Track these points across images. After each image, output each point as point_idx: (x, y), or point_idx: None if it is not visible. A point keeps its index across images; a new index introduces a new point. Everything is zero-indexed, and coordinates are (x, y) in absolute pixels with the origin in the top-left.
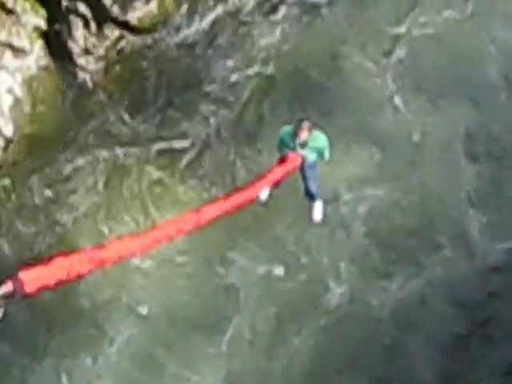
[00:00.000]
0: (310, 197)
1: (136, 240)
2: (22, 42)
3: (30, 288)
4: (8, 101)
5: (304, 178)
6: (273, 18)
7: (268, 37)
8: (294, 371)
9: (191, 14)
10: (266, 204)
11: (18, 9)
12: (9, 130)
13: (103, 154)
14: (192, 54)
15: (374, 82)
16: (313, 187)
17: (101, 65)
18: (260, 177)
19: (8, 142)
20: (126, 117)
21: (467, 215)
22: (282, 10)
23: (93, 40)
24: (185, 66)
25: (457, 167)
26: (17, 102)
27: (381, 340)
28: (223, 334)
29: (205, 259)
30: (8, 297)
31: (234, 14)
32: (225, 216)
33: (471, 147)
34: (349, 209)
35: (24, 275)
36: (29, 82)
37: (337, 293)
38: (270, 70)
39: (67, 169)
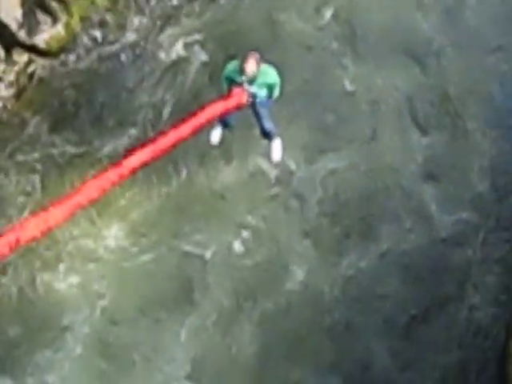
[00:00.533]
0: (266, 136)
1: (55, 210)
2: None
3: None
4: None
5: (257, 116)
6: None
7: (177, 50)
8: (250, 351)
9: (100, 34)
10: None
11: None
12: None
13: (19, 180)
14: (102, 73)
15: (319, 49)
16: (267, 125)
17: (12, 91)
18: (195, 112)
19: None
20: (42, 141)
21: (421, 186)
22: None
23: (2, 66)
24: (96, 85)
25: (410, 136)
26: None
27: (334, 320)
28: (183, 313)
29: (159, 238)
30: None
31: (144, 33)
32: (152, 161)
33: (422, 115)
34: (301, 180)
35: None
36: None
37: (292, 270)
38: (186, 78)
39: None
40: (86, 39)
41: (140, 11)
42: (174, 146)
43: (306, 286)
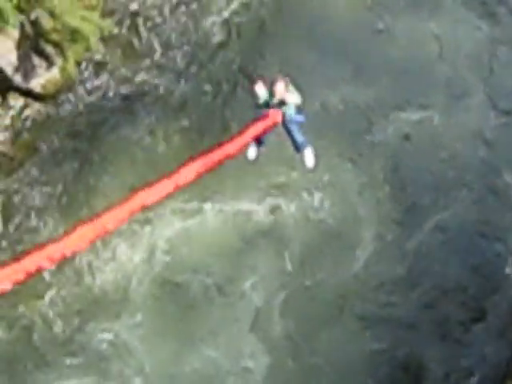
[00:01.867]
0: (299, 148)
1: (109, 216)
2: None
3: None
4: None
5: (289, 132)
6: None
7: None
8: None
9: (95, 78)
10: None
11: None
12: None
13: (15, 227)
14: (97, 117)
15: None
16: (299, 138)
17: (7, 134)
18: (240, 132)
19: None
20: (36, 184)
21: None
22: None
23: None
24: (91, 129)
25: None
26: None
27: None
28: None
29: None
30: None
31: (137, 75)
32: (205, 174)
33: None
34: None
35: None
36: None
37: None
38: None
39: None
40: (81, 83)
41: (136, 56)
42: (222, 161)
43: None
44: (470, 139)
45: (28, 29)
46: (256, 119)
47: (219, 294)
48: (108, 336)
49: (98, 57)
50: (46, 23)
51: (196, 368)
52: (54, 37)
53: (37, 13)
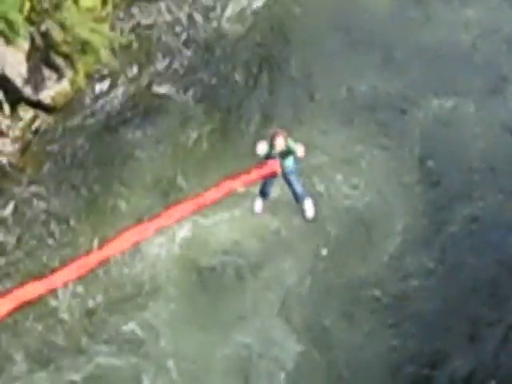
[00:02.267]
0: (299, 199)
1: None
2: None
3: None
4: None
5: (289, 183)
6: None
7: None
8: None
9: (104, 90)
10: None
11: None
12: None
13: (24, 235)
14: (107, 129)
15: None
16: (298, 190)
17: (17, 146)
18: (235, 176)
19: None
20: (45, 196)
21: None
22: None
23: (7, 122)
24: (101, 141)
25: None
26: None
27: None
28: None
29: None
30: None
31: (147, 88)
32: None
33: None
34: None
35: None
36: None
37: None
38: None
39: None
40: (91, 95)
41: (145, 68)
42: (220, 199)
43: None
44: (505, 128)
45: (38, 40)
46: (255, 167)
47: (249, 277)
48: (139, 323)
49: (107, 69)
50: (57, 35)
51: (226, 353)
52: (64, 49)
53: (47, 24)
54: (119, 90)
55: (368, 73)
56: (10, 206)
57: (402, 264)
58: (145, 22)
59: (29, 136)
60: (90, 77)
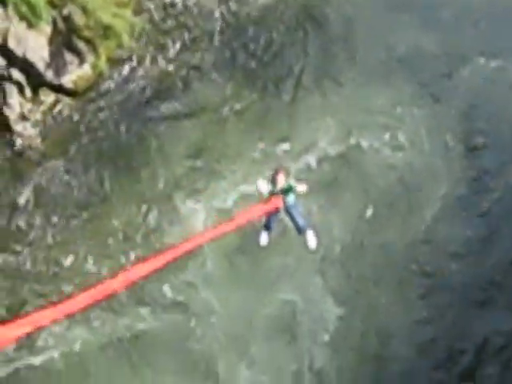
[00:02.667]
0: (301, 230)
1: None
2: None
3: None
4: None
5: (291, 217)
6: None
7: (204, 91)
8: None
9: (126, 75)
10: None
11: None
12: None
13: (42, 219)
14: (128, 113)
15: None
16: (300, 222)
17: (38, 130)
18: (243, 212)
19: None
20: (65, 180)
21: None
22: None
23: (28, 106)
24: (122, 126)
25: None
26: None
27: None
28: None
29: None
30: None
31: (168, 72)
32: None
33: None
34: None
35: None
36: None
37: None
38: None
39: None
40: (112, 80)
41: (167, 53)
42: (227, 233)
43: None
44: None
45: (60, 25)
46: (259, 203)
47: (290, 235)
48: (182, 284)
49: (129, 53)
50: (79, 19)
51: (268, 311)
52: (86, 33)
53: (69, 9)
54: (141, 74)
55: (411, 33)
56: (30, 189)
57: (440, 232)
58: (167, 7)
59: (50, 120)
60: (111, 61)
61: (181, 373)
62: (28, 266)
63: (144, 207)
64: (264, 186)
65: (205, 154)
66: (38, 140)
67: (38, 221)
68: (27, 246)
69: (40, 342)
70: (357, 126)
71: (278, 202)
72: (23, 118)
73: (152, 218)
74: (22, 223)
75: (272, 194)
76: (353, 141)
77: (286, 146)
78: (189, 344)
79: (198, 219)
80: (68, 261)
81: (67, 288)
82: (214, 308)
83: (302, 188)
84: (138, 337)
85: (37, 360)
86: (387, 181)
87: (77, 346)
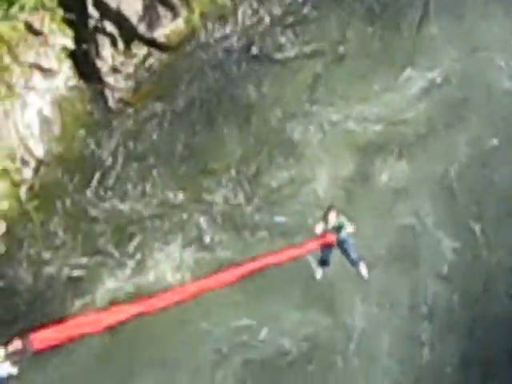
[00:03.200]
0: (354, 264)
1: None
2: (50, 62)
3: (39, 346)
4: (38, 122)
5: (344, 251)
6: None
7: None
8: None
9: (219, 30)
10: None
11: (46, 30)
12: (40, 152)
13: (133, 173)
14: (220, 70)
15: None
16: (353, 256)
17: (129, 83)
18: (299, 244)
19: (39, 163)
20: (154, 134)
21: None
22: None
23: (121, 58)
24: (213, 81)
25: None
26: (47, 123)
27: None
28: None
29: None
30: (19, 354)
31: (262, 31)
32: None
33: None
34: None
35: (34, 335)
36: (58, 103)
37: None
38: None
39: (97, 192)
40: (205, 35)
41: (261, 10)
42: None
43: None
44: None
45: None
46: (314, 238)
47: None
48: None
49: (222, 9)
50: None
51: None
52: None
53: None
54: (234, 31)
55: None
56: (117, 141)
57: None
58: None
59: (142, 73)
60: (205, 16)
61: (301, 305)
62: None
63: (243, 167)
64: (319, 228)
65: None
66: (129, 93)
67: (128, 173)
68: (120, 199)
69: None
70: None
71: (331, 238)
72: (115, 70)
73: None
74: (112, 175)
75: (326, 231)
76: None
77: None
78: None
79: None
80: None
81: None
82: None
83: (351, 229)
84: None
85: None
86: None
87: None
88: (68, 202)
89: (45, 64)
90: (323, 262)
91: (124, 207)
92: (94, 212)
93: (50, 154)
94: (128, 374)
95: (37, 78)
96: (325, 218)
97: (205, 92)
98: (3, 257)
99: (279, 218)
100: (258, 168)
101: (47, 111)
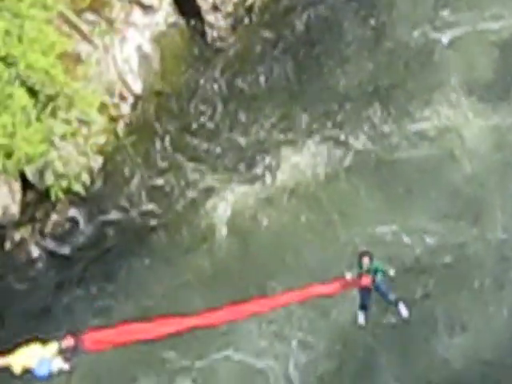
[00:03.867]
0: (393, 304)
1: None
2: None
3: (90, 346)
4: (137, 58)
5: (382, 293)
6: None
7: None
8: None
9: None
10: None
11: None
12: (138, 87)
13: (231, 108)
14: (325, 3)
15: None
16: (391, 297)
17: (229, 21)
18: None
19: (137, 98)
20: (254, 71)
21: None
22: None
23: None
24: (316, 18)
25: None
26: (145, 58)
27: None
28: None
29: None
30: (71, 350)
31: None
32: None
33: None
34: None
35: (86, 335)
36: (157, 39)
37: None
38: None
39: (195, 128)
40: None
41: None
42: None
43: None
44: None
45: None
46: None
47: None
48: None
49: None
50: None
51: None
52: None
53: None
54: None
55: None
56: (215, 78)
57: None
58: None
59: (241, 12)
60: None
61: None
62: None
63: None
64: (350, 275)
65: None
66: (229, 31)
67: (227, 109)
68: (219, 134)
69: None
70: None
71: (365, 280)
72: (215, 8)
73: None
74: (210, 111)
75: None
76: None
77: None
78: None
79: None
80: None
81: None
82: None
83: (391, 272)
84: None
85: None
86: None
87: None
88: (166, 138)
89: (145, 0)
90: (363, 307)
91: (223, 141)
92: (191, 148)
93: (148, 90)
94: None
95: (137, 14)
96: (359, 263)
97: (307, 28)
98: (99, 191)
99: None
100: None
101: (146, 47)
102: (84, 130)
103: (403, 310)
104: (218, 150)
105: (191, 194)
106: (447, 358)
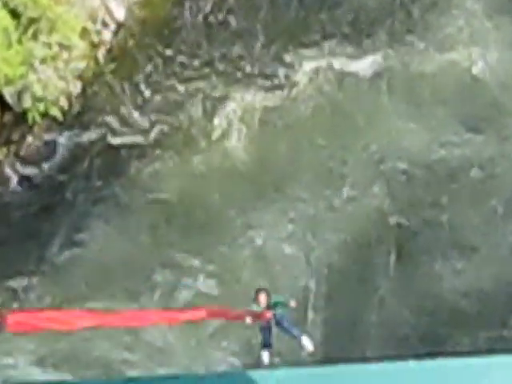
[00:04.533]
0: (296, 338)
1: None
2: None
3: (10, 328)
4: None
5: (283, 329)
6: None
7: None
8: None
9: None
10: None
11: None
12: (120, 14)
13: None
14: None
15: None
16: (294, 332)
17: None
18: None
19: (119, 25)
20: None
21: None
22: None
23: None
24: None
25: None
26: None
27: None
28: None
29: None
30: None
31: None
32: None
33: None
34: None
35: (10, 316)
36: None
37: None
38: None
39: (177, 60)
40: None
41: None
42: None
43: None
44: None
45: None
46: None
47: None
48: None
49: None
50: None
51: None
52: None
53: None
54: None
55: None
56: (199, 9)
57: None
58: None
59: None
60: None
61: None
62: None
63: None
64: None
65: None
66: None
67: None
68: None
69: None
70: None
71: (266, 314)
72: None
73: None
74: (193, 42)
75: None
76: None
77: None
78: None
79: None
80: None
81: None
82: None
83: (293, 304)
84: None
85: None
86: None
87: None
88: (148, 66)
89: None
90: (266, 345)
91: (204, 72)
92: (172, 79)
93: (131, 18)
94: None
95: None
96: (256, 301)
97: None
98: (77, 117)
99: None
100: None
101: None
102: (64, 55)
103: (308, 344)
104: (207, 70)
105: (172, 120)
106: (449, 283)
